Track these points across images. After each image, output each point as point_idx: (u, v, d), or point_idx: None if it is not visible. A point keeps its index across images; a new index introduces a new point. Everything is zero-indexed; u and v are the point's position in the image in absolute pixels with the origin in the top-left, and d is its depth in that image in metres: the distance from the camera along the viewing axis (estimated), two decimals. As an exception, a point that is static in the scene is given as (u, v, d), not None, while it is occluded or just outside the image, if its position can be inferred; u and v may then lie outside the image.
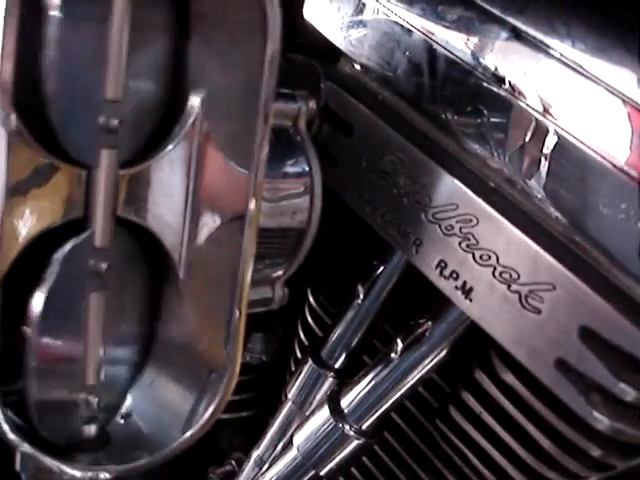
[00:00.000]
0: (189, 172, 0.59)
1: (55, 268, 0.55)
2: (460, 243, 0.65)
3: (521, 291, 0.61)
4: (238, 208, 0.60)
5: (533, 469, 0.71)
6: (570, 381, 0.60)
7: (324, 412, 0.80)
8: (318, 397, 0.86)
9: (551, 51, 0.62)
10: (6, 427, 0.55)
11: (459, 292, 0.65)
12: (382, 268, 0.79)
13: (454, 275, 0.65)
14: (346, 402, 0.79)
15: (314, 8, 0.77)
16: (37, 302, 0.55)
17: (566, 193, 0.61)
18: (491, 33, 0.67)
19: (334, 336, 0.84)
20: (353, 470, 0.89)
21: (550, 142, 0.61)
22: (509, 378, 0.69)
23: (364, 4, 0.74)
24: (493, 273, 0.63)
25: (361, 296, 0.81)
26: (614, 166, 0.57)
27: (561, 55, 0.62)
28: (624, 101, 0.57)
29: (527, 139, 0.63)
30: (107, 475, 0.58)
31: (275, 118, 0.61)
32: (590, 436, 0.64)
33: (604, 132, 0.58)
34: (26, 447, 0.55)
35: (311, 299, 0.93)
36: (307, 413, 0.85)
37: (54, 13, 0.51)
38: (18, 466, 0.59)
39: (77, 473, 0.57)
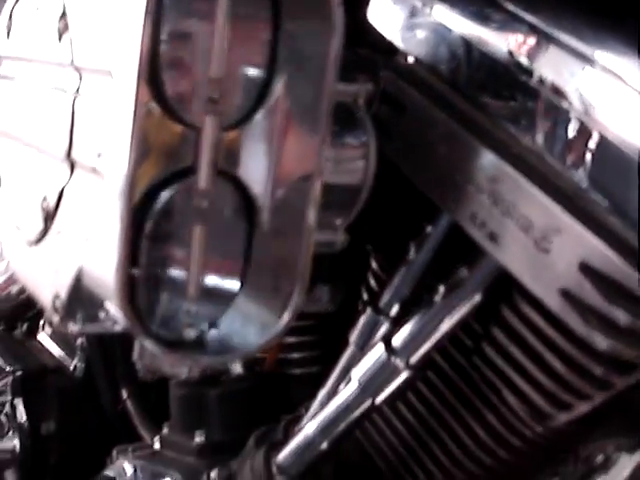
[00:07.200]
0: (272, 137, 0.77)
1: (166, 204, 0.73)
2: (488, 198, 0.80)
3: (535, 236, 0.76)
4: (309, 167, 0.77)
5: (553, 394, 0.85)
6: (573, 308, 0.74)
7: (379, 349, 0.95)
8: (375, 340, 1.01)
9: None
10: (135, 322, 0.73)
11: (487, 239, 0.80)
12: (430, 229, 0.94)
13: (483, 224, 0.80)
14: (397, 340, 0.94)
15: (376, 11, 0.94)
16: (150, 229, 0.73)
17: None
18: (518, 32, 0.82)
19: (390, 288, 1.00)
20: (403, 408, 1.04)
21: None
22: (529, 312, 0.83)
23: (417, 9, 0.90)
24: (516, 223, 0.78)
25: (412, 253, 0.96)
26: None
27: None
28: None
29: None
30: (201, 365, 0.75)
31: (338, 95, 0.78)
32: (593, 357, 0.78)
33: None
34: (145, 339, 0.73)
35: (373, 263, 1.09)
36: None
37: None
38: (136, 355, 0.77)
39: (177, 359, 0.74)
